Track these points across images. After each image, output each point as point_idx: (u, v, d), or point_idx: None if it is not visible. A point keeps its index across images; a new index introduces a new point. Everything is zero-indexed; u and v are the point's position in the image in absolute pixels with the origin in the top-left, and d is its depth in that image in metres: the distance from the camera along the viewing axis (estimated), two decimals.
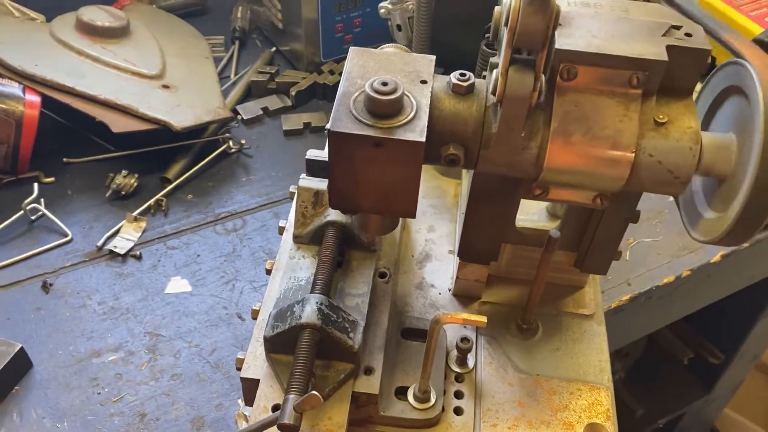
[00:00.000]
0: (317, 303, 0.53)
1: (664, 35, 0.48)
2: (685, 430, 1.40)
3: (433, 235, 0.75)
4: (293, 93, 0.97)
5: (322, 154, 0.62)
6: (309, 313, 0.52)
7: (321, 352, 0.53)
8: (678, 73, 0.47)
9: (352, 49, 0.52)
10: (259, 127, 0.96)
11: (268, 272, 0.64)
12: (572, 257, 0.65)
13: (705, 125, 0.54)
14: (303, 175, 0.61)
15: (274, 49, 1.08)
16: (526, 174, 0.51)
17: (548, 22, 0.43)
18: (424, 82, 0.50)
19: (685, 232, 0.85)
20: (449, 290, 0.69)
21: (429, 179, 0.81)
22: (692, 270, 0.80)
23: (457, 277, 0.68)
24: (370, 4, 0.78)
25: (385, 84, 0.46)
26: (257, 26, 1.13)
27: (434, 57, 0.52)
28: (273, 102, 0.98)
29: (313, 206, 0.61)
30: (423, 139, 0.46)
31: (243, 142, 0.91)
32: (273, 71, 1.01)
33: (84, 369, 0.68)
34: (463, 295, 0.69)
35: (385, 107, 0.46)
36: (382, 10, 0.75)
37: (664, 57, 0.46)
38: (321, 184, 0.61)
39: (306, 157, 0.61)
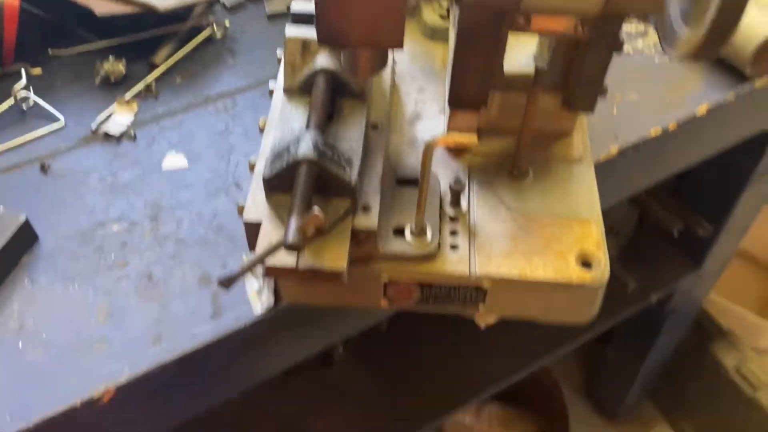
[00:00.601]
0: (313, 139, 0.54)
1: None
2: (676, 308, 1.45)
3: (423, 96, 0.76)
4: None
5: (308, 7, 0.63)
6: (305, 149, 0.54)
7: (319, 188, 0.55)
8: None
9: None
10: (243, 13, 0.95)
11: (262, 130, 0.65)
12: (559, 100, 0.67)
13: None
14: (288, 25, 0.62)
15: None
16: (510, 3, 0.52)
17: None
18: None
19: (670, 89, 0.86)
20: None
21: (417, 44, 0.82)
22: (678, 123, 0.82)
23: (448, 127, 0.69)
24: None
25: None
26: None
27: None
28: None
29: (301, 56, 0.62)
30: None
31: (227, 25, 0.90)
32: None
33: (89, 239, 0.69)
34: (455, 148, 0.70)
35: None
36: None
37: None
38: (308, 32, 0.61)
39: (291, 10, 0.62)
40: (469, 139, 0.53)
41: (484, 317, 0.65)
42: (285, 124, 0.60)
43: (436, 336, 1.28)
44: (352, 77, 0.61)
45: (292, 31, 0.61)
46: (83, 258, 0.68)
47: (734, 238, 1.33)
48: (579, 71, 0.62)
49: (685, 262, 1.32)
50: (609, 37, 0.58)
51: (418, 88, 0.77)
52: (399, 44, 0.51)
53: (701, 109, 0.83)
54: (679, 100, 0.84)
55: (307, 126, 0.57)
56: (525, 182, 0.67)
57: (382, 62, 0.55)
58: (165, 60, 0.86)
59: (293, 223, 0.49)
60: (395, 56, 0.79)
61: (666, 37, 0.57)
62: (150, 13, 0.83)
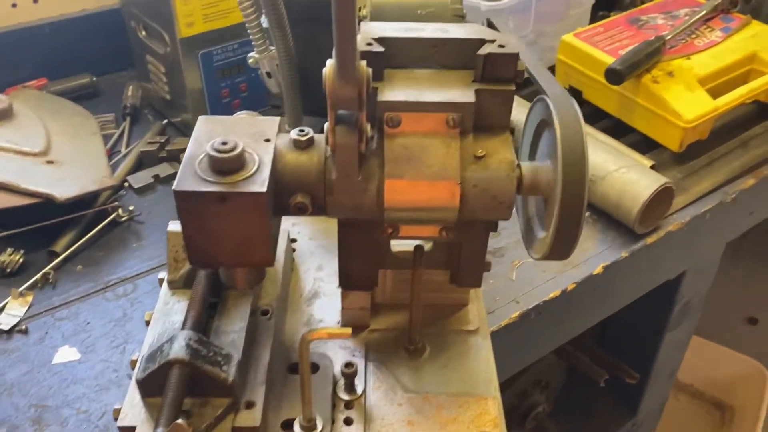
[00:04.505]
0: (185, 338, 0.53)
1: (474, 80, 0.54)
2: None
3: (322, 273, 0.76)
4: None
5: None
6: (177, 348, 0.52)
7: (196, 390, 0.53)
8: (490, 112, 0.54)
9: (200, 117, 0.56)
10: (152, 195, 0.97)
11: (148, 323, 0.63)
12: (448, 275, 0.68)
13: (532, 155, 0.60)
14: (171, 222, 0.62)
15: (165, 121, 1.10)
16: (372, 215, 0.55)
17: (359, 90, 0.48)
18: (267, 140, 0.54)
19: None
20: (338, 323, 0.70)
21: (317, 222, 0.83)
22: (577, 283, 0.84)
23: (342, 308, 0.69)
24: (255, 69, 0.82)
25: (224, 143, 0.50)
26: (149, 102, 1.15)
27: (279, 118, 0.57)
28: (164, 169, 0.99)
29: (184, 250, 0.62)
30: (264, 189, 0.49)
31: (132, 208, 0.91)
32: (163, 140, 1.03)
33: None
34: (351, 325, 0.69)
35: (225, 164, 0.50)
36: (251, 60, 0.78)
37: (472, 99, 0.53)
38: None
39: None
40: (342, 332, 0.53)
41: None
42: (166, 320, 0.59)
43: None
44: None
45: (175, 225, 0.62)
46: None
47: (665, 382, 1.33)
48: (461, 251, 0.63)
49: (620, 411, 1.30)
50: (484, 222, 0.61)
51: (317, 265, 0.77)
52: (269, 263, 0.53)
53: (597, 268, 0.86)
54: (577, 259, 0.87)
55: (184, 323, 0.56)
56: (422, 359, 0.67)
57: (259, 277, 0.56)
58: (66, 248, 0.86)
59: None
60: (295, 234, 0.81)
61: (527, 238, 0.61)
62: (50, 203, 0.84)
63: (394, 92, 0.53)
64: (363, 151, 0.52)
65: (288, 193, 0.54)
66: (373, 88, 0.52)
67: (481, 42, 0.54)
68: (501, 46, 0.53)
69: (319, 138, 0.55)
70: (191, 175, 0.50)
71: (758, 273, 2.29)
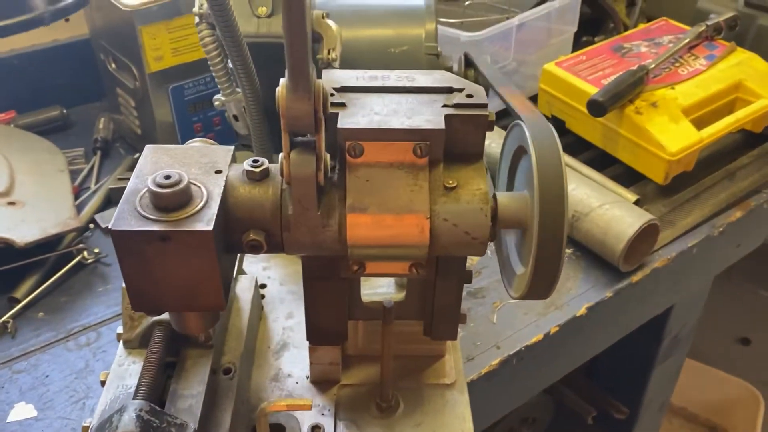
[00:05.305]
0: (135, 410, 0.49)
1: (444, 104, 0.49)
2: None
3: (292, 321, 0.73)
4: None
5: None
6: (126, 421, 0.49)
7: None
8: (462, 140, 0.50)
9: (147, 147, 0.52)
10: None
11: (103, 383, 0.60)
12: (420, 328, 0.64)
13: (510, 185, 0.56)
14: None
15: (137, 155, 1.07)
16: (334, 252, 0.51)
17: (316, 106, 0.44)
18: (219, 171, 0.50)
19: None
20: (307, 378, 0.67)
21: (287, 265, 0.80)
22: (560, 326, 0.81)
23: (311, 363, 0.65)
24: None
25: (168, 177, 0.46)
26: (120, 135, 1.12)
27: (233, 147, 0.52)
28: None
29: None
30: (211, 228, 0.45)
31: (97, 251, 0.88)
32: None
33: None
34: (321, 381, 0.66)
35: (168, 200, 0.45)
36: (217, 103, 0.75)
37: (442, 126, 0.48)
38: None
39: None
40: (302, 403, 0.49)
41: None
42: (120, 383, 0.56)
43: None
44: None
45: None
46: None
47: (656, 414, 1.29)
48: (433, 303, 0.60)
49: None
50: (455, 271, 0.58)
51: (287, 313, 0.74)
52: (220, 306, 0.49)
53: (581, 310, 0.82)
54: (559, 299, 0.84)
55: (136, 391, 0.52)
56: (395, 416, 0.63)
57: (213, 319, 0.53)
58: (27, 294, 0.82)
59: None
60: (266, 279, 0.78)
61: (505, 274, 0.57)
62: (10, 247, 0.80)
63: (356, 118, 0.48)
64: (322, 182, 0.48)
65: (240, 230, 0.49)
66: (332, 114, 0.48)
67: (449, 90, 0.52)
68: (469, 96, 0.50)
69: (275, 169, 0.50)
70: (130, 212, 0.46)
71: (749, 292, 2.26)
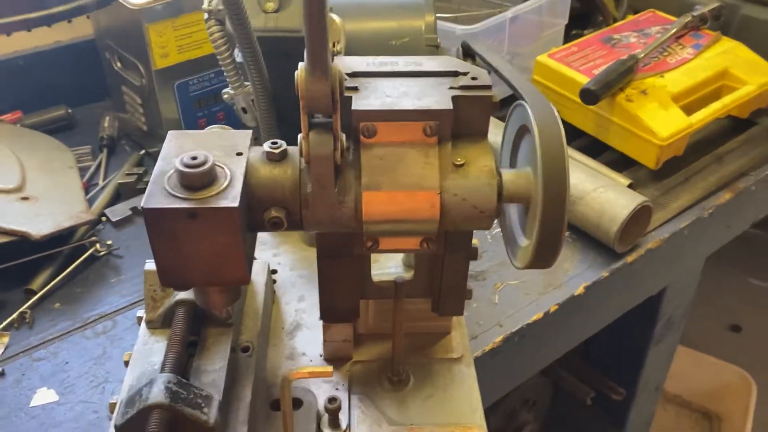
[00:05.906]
0: (164, 382, 0.52)
1: (451, 86, 0.52)
2: None
3: (304, 304, 0.76)
4: None
5: None
6: (156, 392, 0.52)
7: None
8: (468, 120, 0.53)
9: (170, 132, 0.54)
10: (130, 228, 0.96)
11: (126, 364, 0.62)
12: (428, 305, 0.67)
13: (512, 162, 0.59)
14: (148, 260, 0.62)
15: (143, 151, 1.09)
16: (350, 228, 0.54)
17: (333, 87, 0.47)
18: (239, 154, 0.52)
19: (549, 271, 0.90)
20: (321, 356, 0.70)
21: (297, 251, 0.83)
22: (559, 304, 0.84)
23: (324, 340, 0.68)
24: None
25: (194, 158, 0.49)
26: (126, 133, 1.14)
27: (251, 131, 0.55)
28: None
29: (161, 288, 0.61)
30: (236, 204, 0.48)
31: (110, 243, 0.90)
32: (141, 172, 1.02)
33: None
34: (335, 358, 0.69)
35: (196, 179, 0.48)
36: (225, 96, 0.78)
37: (450, 106, 0.51)
38: None
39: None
40: (324, 370, 0.52)
41: None
42: (145, 361, 0.58)
43: None
44: None
45: (152, 264, 0.61)
46: None
47: (651, 396, 1.33)
48: (441, 279, 0.63)
49: (609, 427, 1.30)
50: (462, 248, 0.61)
51: (298, 296, 0.77)
52: (244, 281, 0.51)
53: (579, 289, 0.86)
54: (558, 279, 0.87)
55: (163, 365, 0.55)
56: (406, 390, 0.66)
57: (236, 296, 0.55)
58: (43, 286, 0.84)
59: None
60: (276, 265, 0.80)
61: (510, 247, 0.60)
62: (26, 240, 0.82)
63: (369, 101, 0.51)
64: (338, 162, 0.51)
65: (262, 208, 0.52)
66: (347, 97, 0.51)
67: (455, 74, 0.55)
68: (474, 78, 0.53)
69: (293, 150, 0.53)
70: (160, 191, 0.48)
71: (740, 281, 2.31)
